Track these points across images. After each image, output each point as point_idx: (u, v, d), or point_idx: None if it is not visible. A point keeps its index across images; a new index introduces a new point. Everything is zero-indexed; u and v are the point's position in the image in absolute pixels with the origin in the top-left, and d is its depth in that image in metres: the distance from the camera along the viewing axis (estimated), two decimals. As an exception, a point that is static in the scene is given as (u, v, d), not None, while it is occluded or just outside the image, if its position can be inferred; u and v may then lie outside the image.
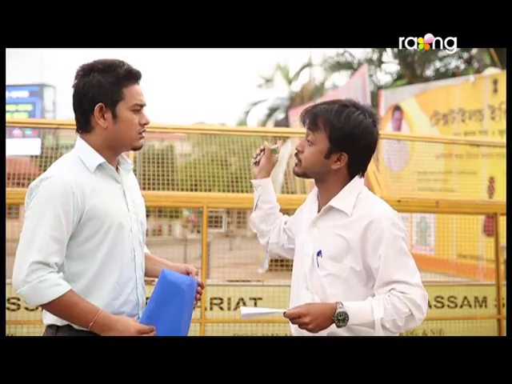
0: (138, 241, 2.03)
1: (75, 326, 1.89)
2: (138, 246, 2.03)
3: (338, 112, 1.99)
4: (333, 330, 1.92)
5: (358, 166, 2.04)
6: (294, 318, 1.88)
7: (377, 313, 1.86)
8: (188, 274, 2.08)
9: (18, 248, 1.86)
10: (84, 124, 1.98)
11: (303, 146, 2.05)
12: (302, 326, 1.88)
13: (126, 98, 1.95)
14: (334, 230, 2.00)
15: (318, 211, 2.07)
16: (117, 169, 2.05)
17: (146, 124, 2.01)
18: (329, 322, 1.87)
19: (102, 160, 1.96)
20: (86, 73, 1.95)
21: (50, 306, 1.83)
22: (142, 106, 1.99)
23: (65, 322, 1.90)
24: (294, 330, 2.07)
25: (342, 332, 1.92)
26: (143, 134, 2.02)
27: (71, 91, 1.99)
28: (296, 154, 2.07)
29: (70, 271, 1.90)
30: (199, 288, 2.04)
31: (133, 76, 1.98)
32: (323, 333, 1.92)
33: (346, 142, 1.98)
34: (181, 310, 1.95)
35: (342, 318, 1.85)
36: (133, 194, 2.07)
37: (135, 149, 2.04)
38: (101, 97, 1.93)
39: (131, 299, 1.97)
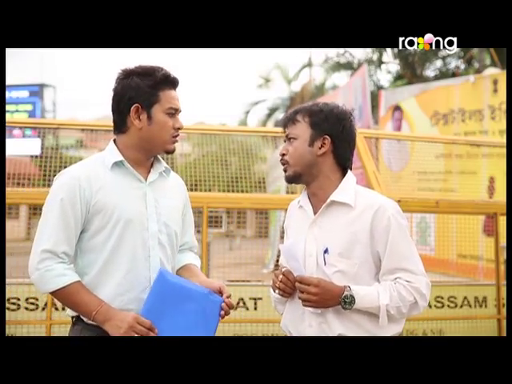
0: (158, 241, 2.05)
1: (84, 319, 1.97)
2: (157, 246, 2.05)
3: (314, 103, 2.09)
4: (342, 332, 1.95)
5: (342, 151, 2.05)
6: (303, 284, 1.92)
7: (383, 299, 1.92)
8: (220, 293, 2.03)
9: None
10: (120, 124, 2.08)
11: (286, 149, 2.07)
12: (306, 294, 1.92)
13: (162, 101, 2.04)
14: (339, 226, 2.01)
15: (314, 212, 2.07)
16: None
17: (179, 128, 2.09)
18: (334, 302, 1.92)
19: (119, 158, 2.05)
20: (126, 76, 2.06)
21: (55, 295, 1.96)
22: (176, 110, 2.08)
23: (76, 314, 2.00)
24: (295, 331, 2.07)
25: (350, 332, 1.95)
26: (177, 139, 2.10)
27: (111, 94, 2.08)
28: (281, 159, 2.07)
29: (83, 263, 2.01)
30: (226, 306, 1.99)
31: (170, 81, 2.07)
32: (333, 333, 1.95)
33: (326, 123, 2.03)
34: (186, 315, 1.94)
35: (348, 301, 1.91)
36: (161, 196, 2.10)
37: (168, 152, 2.11)
38: (138, 98, 2.03)
39: (143, 297, 1.99)
